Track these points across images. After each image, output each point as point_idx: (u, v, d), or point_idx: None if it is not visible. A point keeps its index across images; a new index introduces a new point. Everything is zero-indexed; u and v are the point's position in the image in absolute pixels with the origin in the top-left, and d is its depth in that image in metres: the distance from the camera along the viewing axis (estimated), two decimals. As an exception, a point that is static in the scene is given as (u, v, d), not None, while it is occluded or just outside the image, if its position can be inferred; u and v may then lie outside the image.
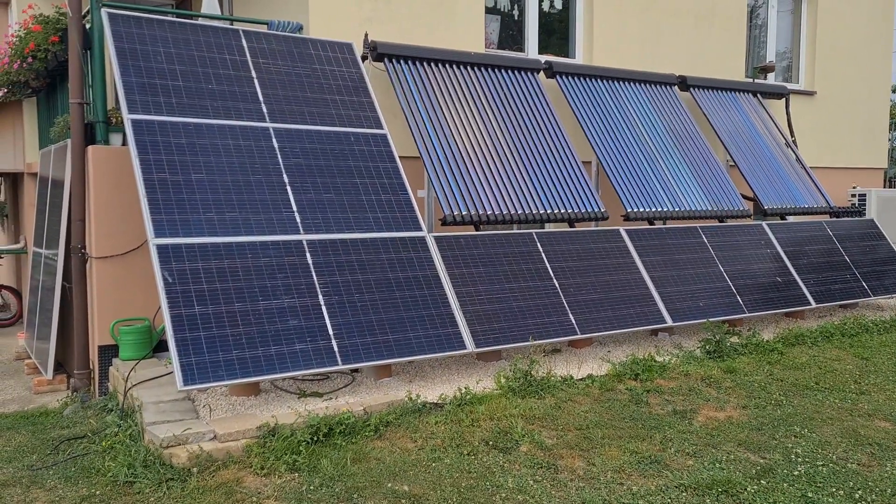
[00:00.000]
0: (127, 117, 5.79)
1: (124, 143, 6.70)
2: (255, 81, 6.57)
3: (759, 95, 10.31)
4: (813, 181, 9.72)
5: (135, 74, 6.04)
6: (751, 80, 10.75)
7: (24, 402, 6.81)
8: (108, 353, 6.57)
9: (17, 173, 10.65)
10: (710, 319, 7.33)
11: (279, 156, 6.24)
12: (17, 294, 11.06)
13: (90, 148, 6.44)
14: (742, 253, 8.17)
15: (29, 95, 9.19)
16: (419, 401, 5.49)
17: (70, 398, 6.62)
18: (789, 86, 11.19)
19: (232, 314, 5.28)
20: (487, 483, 4.36)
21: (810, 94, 11.42)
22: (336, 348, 5.49)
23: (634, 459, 4.68)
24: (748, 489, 4.24)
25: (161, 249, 5.33)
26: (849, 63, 11.90)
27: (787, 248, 8.55)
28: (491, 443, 4.93)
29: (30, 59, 7.30)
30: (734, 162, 9.18)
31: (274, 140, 6.31)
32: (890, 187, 16.01)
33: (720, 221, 8.58)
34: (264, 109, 6.44)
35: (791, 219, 9.40)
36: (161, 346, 6.70)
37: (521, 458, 4.73)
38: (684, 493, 4.21)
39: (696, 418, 5.44)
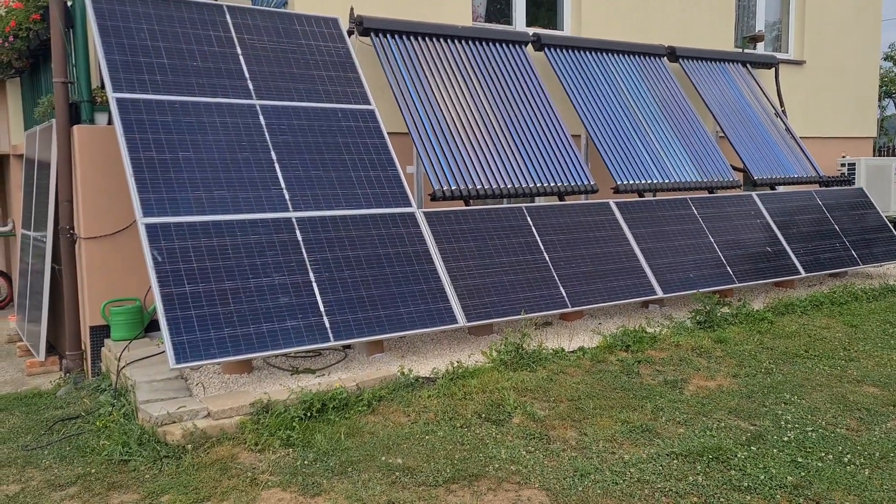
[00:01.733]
0: (112, 96, 5.74)
1: (110, 122, 6.64)
2: (241, 58, 6.51)
3: (748, 65, 10.28)
4: (803, 151, 9.73)
5: (118, 52, 5.97)
6: (740, 50, 10.71)
7: (18, 384, 6.81)
8: (100, 333, 6.56)
9: (2, 155, 10.55)
10: (701, 290, 7.37)
11: (266, 133, 6.20)
12: (7, 277, 11.01)
13: (75, 128, 6.38)
14: (732, 224, 8.19)
15: (12, 76, 9.08)
16: (411, 375, 5.51)
17: (63, 379, 6.61)
18: (779, 55, 11.16)
19: (223, 292, 5.28)
20: (480, 454, 4.39)
21: (799, 63, 11.40)
22: (328, 325, 5.49)
23: (626, 429, 4.72)
24: (738, 455, 4.29)
25: (150, 228, 5.31)
26: (838, 32, 11.86)
27: (776, 218, 8.58)
28: (483, 415, 4.97)
29: (11, 38, 7.20)
30: (724, 133, 9.18)
31: (261, 117, 6.26)
32: (879, 156, 16.04)
33: (710, 192, 8.60)
34: (251, 86, 6.39)
35: (781, 189, 9.42)
36: (153, 326, 6.69)
37: (514, 429, 4.77)
38: (675, 461, 4.26)
39: (687, 388, 5.49)
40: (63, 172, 6.44)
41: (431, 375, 5.62)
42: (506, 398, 5.18)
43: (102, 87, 6.65)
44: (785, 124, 9.91)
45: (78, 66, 6.48)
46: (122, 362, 5.77)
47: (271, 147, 6.14)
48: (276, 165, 6.07)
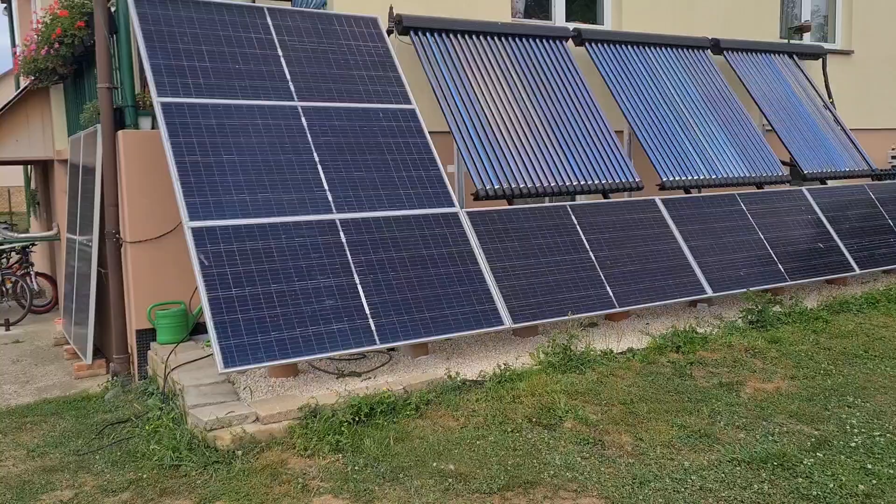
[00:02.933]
0: (156, 100, 5.74)
1: (153, 126, 6.66)
2: (282, 60, 6.48)
3: (794, 56, 10.01)
4: (853, 144, 9.44)
5: (162, 56, 5.98)
6: (786, 41, 10.43)
7: (66, 388, 6.87)
8: (146, 337, 6.59)
9: (47, 161, 10.70)
10: (752, 289, 7.17)
11: (308, 134, 6.16)
12: (52, 281, 11.18)
13: (120, 133, 6.41)
14: (782, 220, 7.97)
15: (56, 82, 9.19)
16: (459, 378, 5.43)
17: (110, 382, 6.66)
18: (825, 45, 10.84)
19: (269, 295, 5.24)
20: (534, 461, 4.29)
21: (847, 53, 11.07)
22: (373, 327, 5.44)
23: (683, 434, 4.59)
24: (804, 462, 4.13)
25: (196, 232, 5.30)
26: (887, 20, 11.50)
27: (828, 214, 8.33)
28: (534, 419, 4.87)
29: (56, 46, 7.27)
30: (771, 126, 8.94)
31: (303, 118, 6.23)
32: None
33: (758, 188, 8.37)
34: (292, 88, 6.36)
35: (831, 183, 9.15)
36: (198, 329, 6.70)
37: (567, 434, 4.66)
38: (738, 468, 4.11)
39: (744, 390, 5.32)
40: (108, 177, 6.47)
41: (479, 378, 5.54)
42: (556, 402, 5.07)
43: (144, 90, 6.67)
44: (834, 116, 9.63)
45: (122, 72, 6.50)
46: (169, 366, 5.78)
47: (314, 148, 6.10)
48: (319, 167, 6.02)
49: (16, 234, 11.62)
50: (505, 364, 5.66)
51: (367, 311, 5.48)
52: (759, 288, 7.25)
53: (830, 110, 9.69)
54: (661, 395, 5.24)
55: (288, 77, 6.40)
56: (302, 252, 5.54)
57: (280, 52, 6.51)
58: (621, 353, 6.13)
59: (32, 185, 13.31)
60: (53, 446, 5.15)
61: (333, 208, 5.86)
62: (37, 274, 10.98)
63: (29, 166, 13.05)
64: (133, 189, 6.38)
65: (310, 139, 6.13)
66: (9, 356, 8.16)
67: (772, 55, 9.78)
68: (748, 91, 9.13)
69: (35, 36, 7.81)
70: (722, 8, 9.79)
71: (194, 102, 5.87)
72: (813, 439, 4.46)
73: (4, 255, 10.88)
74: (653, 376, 5.60)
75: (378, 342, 5.39)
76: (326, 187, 5.94)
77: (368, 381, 5.43)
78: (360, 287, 5.57)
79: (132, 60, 6.55)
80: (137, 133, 6.46)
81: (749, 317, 6.85)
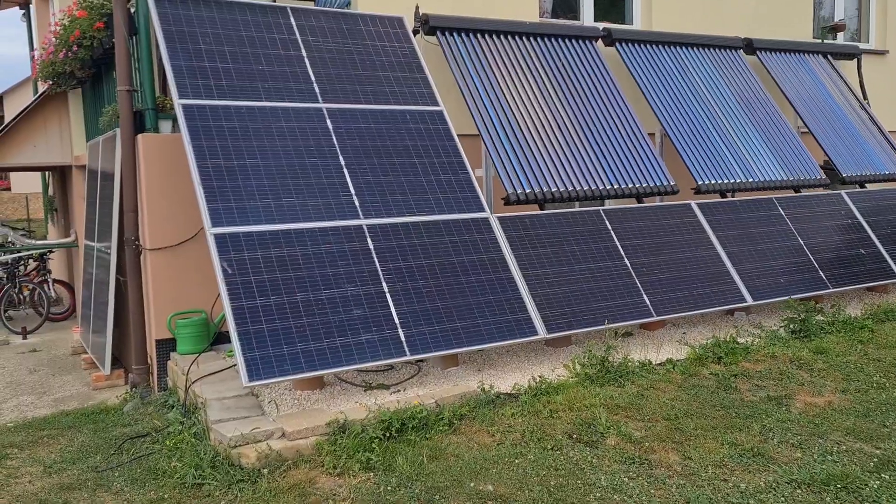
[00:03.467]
0: (178, 102, 5.55)
1: (174, 129, 6.48)
2: (306, 60, 6.28)
3: (829, 56, 9.71)
4: (892, 146, 9.12)
5: (183, 58, 5.79)
6: (819, 41, 10.13)
7: (84, 399, 6.69)
8: (166, 347, 6.39)
9: (64, 166, 10.57)
10: (793, 297, 6.88)
11: (334, 137, 5.95)
12: (70, 288, 11.04)
13: (140, 136, 6.23)
14: (821, 225, 7.67)
15: (74, 87, 9.06)
16: (493, 392, 5.19)
17: (129, 394, 6.47)
18: (859, 45, 10.52)
19: (294, 305, 5.03)
20: (578, 481, 4.04)
21: (882, 53, 10.75)
22: (403, 338, 5.20)
23: (735, 452, 4.32)
24: (870, 484, 3.85)
25: (219, 239, 5.09)
26: (922, 19, 11.17)
27: (868, 218, 8.02)
28: (574, 436, 4.61)
29: (75, 48, 7.11)
30: (807, 128, 8.64)
31: (328, 121, 6.02)
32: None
33: (795, 192, 8.08)
34: (316, 89, 6.15)
35: (870, 186, 8.84)
36: (219, 339, 6.50)
37: (610, 452, 4.40)
38: (798, 490, 3.84)
39: (794, 405, 5.04)
40: (128, 182, 6.29)
41: (513, 391, 5.29)
42: (596, 417, 4.82)
43: (164, 92, 6.49)
44: (871, 117, 9.31)
45: (142, 74, 6.33)
46: (191, 378, 5.57)
47: (339, 152, 5.89)
48: (345, 171, 5.81)
49: (33, 242, 11.50)
50: (540, 376, 5.41)
51: (397, 321, 5.25)
52: (801, 296, 6.96)
53: (867, 111, 9.38)
54: (706, 409, 4.97)
55: (312, 78, 6.19)
56: (328, 259, 5.32)
57: (304, 53, 6.30)
58: (660, 364, 5.87)
59: (50, 192, 13.21)
60: (71, 462, 4.95)
61: (360, 213, 5.64)
62: (54, 281, 10.84)
63: (47, 172, 12.94)
64: (153, 194, 6.19)
65: (335, 142, 5.92)
66: (26, 366, 7.99)
67: (806, 55, 9.48)
68: (783, 92, 8.84)
69: (53, 39, 7.67)
70: (753, 7, 9.52)
71: (216, 104, 5.67)
72: (875, 459, 4.18)
73: (22, 262, 10.74)
74: (696, 389, 5.33)
75: (408, 353, 5.15)
76: (353, 192, 5.73)
77: (398, 395, 5.20)
78: (388, 296, 5.34)
79: (152, 62, 6.37)
80: (157, 136, 6.27)
81: (791, 326, 6.56)
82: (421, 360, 5.88)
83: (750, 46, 9.00)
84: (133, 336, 6.43)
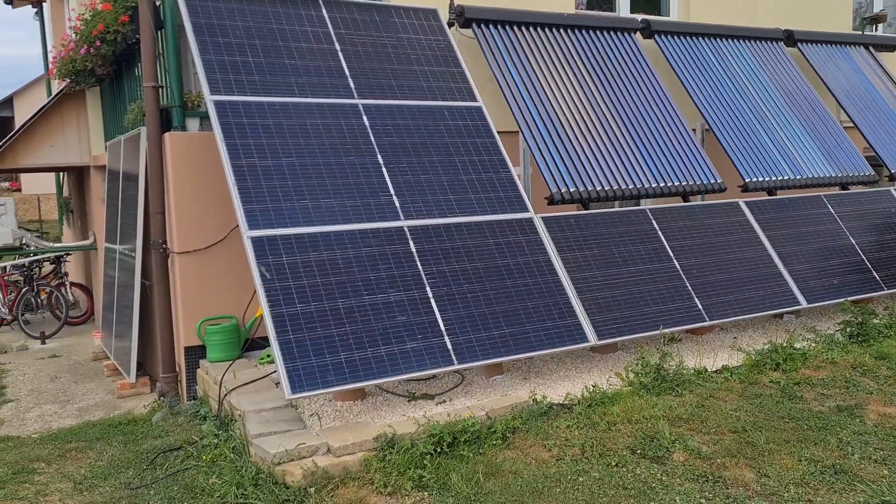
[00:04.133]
0: (209, 99, 5.28)
1: (202, 127, 6.21)
2: (340, 54, 6.01)
3: (870, 48, 9.38)
4: (938, 140, 8.79)
5: (214, 52, 5.52)
6: (858, 32, 9.80)
7: (109, 408, 6.44)
8: (195, 354, 6.13)
9: (82, 167, 10.33)
10: (847, 299, 6.57)
11: (371, 134, 5.67)
12: (87, 291, 10.80)
13: (167, 135, 5.97)
14: (872, 223, 7.36)
15: (93, 85, 8.80)
16: (545, 402, 4.91)
17: (157, 403, 6.21)
18: (898, 37, 10.19)
19: (336, 311, 4.75)
20: (652, 503, 3.75)
21: (921, 45, 10.39)
22: (450, 346, 4.93)
23: (815, 469, 4.02)
24: (973, 507, 3.56)
25: (256, 243, 4.82)
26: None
27: (919, 216, 7.70)
28: (638, 451, 4.33)
29: (97, 43, 6.85)
30: (852, 122, 8.32)
31: (364, 117, 5.74)
32: None
33: (842, 188, 7.77)
34: (351, 84, 5.88)
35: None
36: (250, 345, 6.24)
37: (679, 469, 4.11)
38: (896, 514, 3.55)
39: (867, 415, 4.74)
40: (154, 182, 6.03)
41: (566, 402, 5.01)
42: (659, 429, 4.53)
43: (189, 90, 6.23)
44: (917, 111, 8.97)
45: (169, 70, 6.06)
46: (225, 388, 5.31)
47: (377, 150, 5.61)
48: (384, 169, 5.53)
49: (50, 244, 11.27)
50: (594, 385, 5.13)
51: (443, 328, 4.97)
52: (854, 298, 6.65)
53: (912, 105, 9.04)
54: (773, 421, 4.68)
55: (347, 73, 5.92)
56: (370, 263, 5.04)
57: (338, 47, 6.03)
58: (716, 371, 5.58)
59: (65, 193, 12.99)
60: (102, 478, 4.70)
61: (401, 214, 5.37)
62: (72, 284, 10.60)
63: (62, 173, 12.72)
64: (181, 195, 5.93)
65: (372, 139, 5.65)
66: (47, 372, 7.75)
67: (847, 47, 9.16)
68: (825, 85, 8.53)
69: (73, 34, 7.41)
70: (792, -2, 9.20)
71: (249, 101, 5.40)
72: (971, 477, 3.88)
73: (37, 265, 10.51)
74: (758, 399, 5.04)
75: (455, 362, 4.88)
76: (392, 192, 5.45)
77: (444, 406, 4.92)
78: (433, 301, 5.06)
79: (179, 57, 6.11)
80: (185, 135, 6.01)
81: (848, 329, 6.26)
82: (465, 369, 5.60)
83: (791, 38, 8.69)
84: (161, 343, 6.17)
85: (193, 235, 6.00)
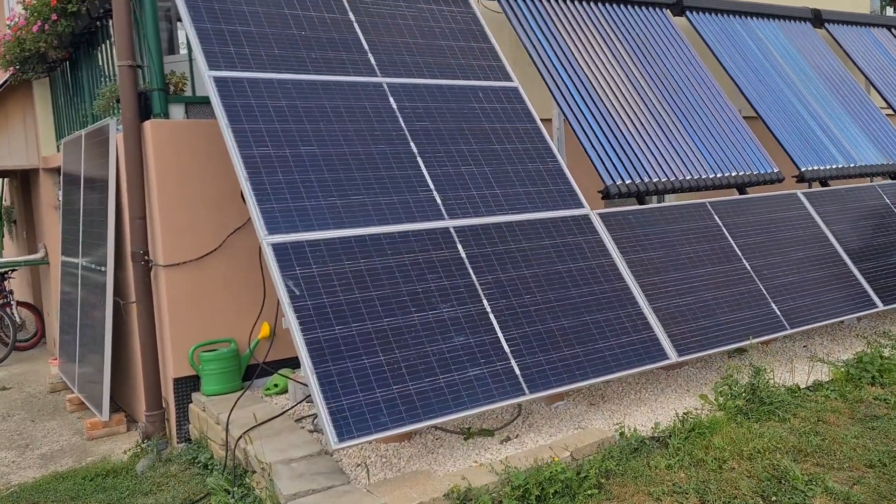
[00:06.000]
0: (208, 75, 4.29)
1: (188, 115, 5.20)
2: (355, 25, 5.07)
3: (893, 30, 8.85)
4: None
5: (209, 19, 4.53)
6: (878, 12, 9.27)
7: (80, 454, 5.35)
8: (187, 386, 5.11)
9: (29, 170, 9.10)
10: (922, 298, 5.91)
11: (401, 119, 4.75)
12: (37, 311, 9.55)
13: (148, 123, 4.94)
14: (928, 215, 6.74)
15: (42, 75, 7.65)
16: (636, 437, 4.05)
17: (140, 447, 5.16)
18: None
19: (382, 333, 3.82)
20: (831, 573, 2.93)
21: (933, 29, 9.94)
22: (518, 372, 4.03)
23: None
24: None
25: (279, 251, 3.85)
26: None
27: (971, 207, 7.12)
28: (772, 497, 3.51)
29: (54, 17, 5.76)
30: (891, 107, 7.73)
31: (391, 99, 4.82)
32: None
33: (892, 178, 7.14)
34: (372, 60, 4.95)
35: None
36: (248, 373, 5.24)
37: (834, 520, 3.31)
38: None
39: None
40: (132, 181, 4.99)
41: (657, 434, 4.16)
42: (785, 467, 3.72)
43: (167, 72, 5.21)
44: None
45: (148, 46, 5.03)
46: (233, 430, 4.31)
47: (409, 136, 4.69)
48: (419, 160, 4.62)
49: (-8, 258, 9.95)
50: (685, 412, 4.30)
51: (507, 350, 4.08)
52: (927, 297, 5.99)
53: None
54: (909, 449, 3.92)
55: (366, 47, 4.98)
56: (415, 272, 4.12)
57: (352, 17, 5.09)
58: (809, 388, 4.82)
59: (6, 201, 11.63)
60: (87, 556, 3.66)
61: (444, 213, 4.46)
62: (18, 303, 9.33)
63: (3, 179, 11.37)
64: (167, 197, 4.91)
65: (403, 125, 4.72)
66: (-3, 410, 6.58)
67: (872, 28, 8.60)
68: (859, 68, 7.93)
69: (22, 10, 6.28)
70: (813, -24, 8.60)
71: (256, 77, 4.43)
72: None
73: (-23, 282, 9.22)
74: (874, 422, 4.29)
75: (527, 392, 3.99)
76: (432, 186, 4.54)
77: (514, 445, 4.03)
78: (492, 316, 4.16)
79: (159, 31, 5.08)
80: (170, 123, 4.99)
81: (931, 334, 5.59)
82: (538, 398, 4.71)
83: (818, 18, 8.07)
84: (145, 374, 5.12)
85: (182, 244, 4.98)
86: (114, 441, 5.57)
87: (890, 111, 8.14)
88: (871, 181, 7.75)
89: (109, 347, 5.55)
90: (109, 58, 5.88)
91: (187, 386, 5.11)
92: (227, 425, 4.37)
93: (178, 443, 5.11)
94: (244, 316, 5.19)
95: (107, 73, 5.93)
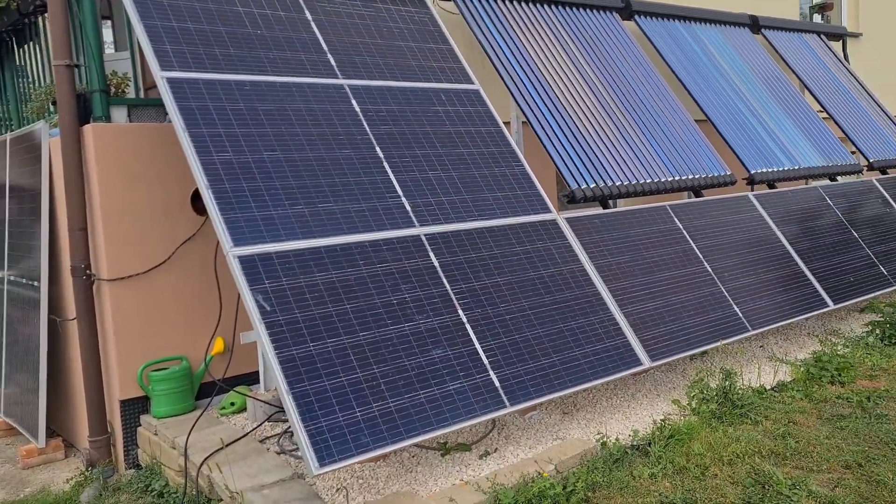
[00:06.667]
0: (161, 76, 4.00)
1: (130, 118, 4.87)
2: (313, 24, 4.85)
3: (822, 36, 9.16)
4: (899, 129, 8.64)
5: (158, 16, 4.23)
6: (807, 20, 9.59)
7: (15, 484, 4.93)
8: (134, 408, 4.78)
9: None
10: (868, 297, 6.09)
11: (365, 122, 4.56)
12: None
13: (89, 127, 4.59)
14: (866, 215, 6.97)
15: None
16: (616, 445, 3.98)
17: (85, 475, 4.79)
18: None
19: (359, 348, 3.63)
20: (834, 581, 2.91)
21: (856, 35, 10.37)
22: (497, 384, 3.91)
23: (985, 512, 3.33)
24: None
25: (246, 263, 3.60)
26: (888, 2, 10.92)
27: (903, 207, 7.41)
28: (754, 503, 3.49)
29: (-23, 12, 5.32)
30: (827, 112, 7.98)
31: (353, 101, 4.62)
32: None
33: (831, 179, 7.36)
34: (332, 61, 4.74)
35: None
36: (202, 391, 4.95)
37: (824, 524, 3.31)
38: None
39: (976, 433, 4.14)
40: (72, 189, 4.63)
41: (635, 442, 4.11)
42: (766, 472, 3.72)
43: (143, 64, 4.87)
44: (875, 101, 8.81)
45: (87, 44, 4.68)
46: (194, 453, 4.03)
47: (374, 140, 4.51)
48: (386, 164, 4.44)
49: None
50: (664, 418, 4.26)
51: (486, 362, 3.94)
52: (871, 296, 6.18)
53: (869, 92, 8.87)
54: (879, 448, 3.99)
55: (325, 47, 4.77)
56: (389, 283, 3.94)
57: (308, 16, 4.87)
58: (774, 389, 4.87)
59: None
60: None
61: (414, 220, 4.29)
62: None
63: None
64: (110, 206, 4.57)
65: (367, 128, 4.53)
66: (-86, 439, 6.02)
67: (804, 35, 8.87)
68: (795, 74, 8.15)
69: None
70: (748, -17, 8.81)
71: (213, 79, 4.16)
72: None
73: None
74: (843, 421, 4.35)
75: (508, 404, 3.86)
76: (400, 192, 4.36)
77: (495, 459, 3.90)
78: (468, 327, 4.03)
79: (99, 29, 4.74)
80: (113, 127, 4.65)
81: (879, 330, 5.75)
82: (518, 411, 4.59)
83: (756, 24, 8.26)
84: (88, 397, 4.76)
85: (128, 256, 4.65)
86: (52, 469, 5.16)
87: (825, 114, 8.40)
88: (807, 183, 7.99)
89: (45, 369, 5.14)
90: (37, 57, 5.47)
91: (135, 408, 4.78)
92: (186, 450, 4.08)
93: (126, 469, 4.76)
94: (197, 331, 4.89)
95: (32, 75, 5.52)
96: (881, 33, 10.77)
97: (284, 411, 4.43)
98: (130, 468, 4.77)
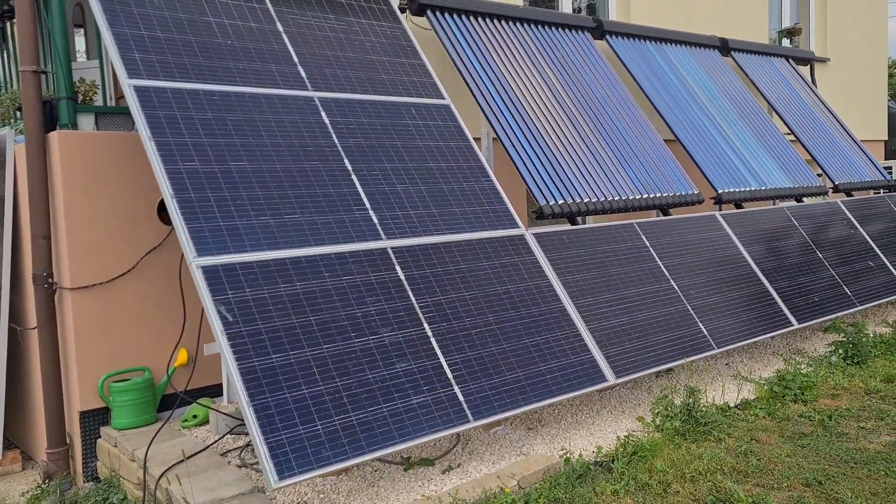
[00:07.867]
0: (128, 83, 3.97)
1: (98, 126, 4.83)
2: (284, 36, 4.85)
3: (790, 60, 9.34)
4: (864, 153, 8.82)
5: (127, 23, 4.20)
6: (774, 43, 9.77)
7: (-31, 498, 4.81)
8: (94, 419, 4.69)
9: None
10: (831, 317, 6.18)
11: (334, 135, 4.56)
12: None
13: (55, 134, 4.54)
14: (830, 235, 7.09)
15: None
16: (580, 462, 3.99)
17: (42, 488, 4.69)
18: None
19: (322, 361, 3.60)
20: None
21: (823, 61, 10.59)
22: (461, 398, 3.90)
23: (938, 529, 3.37)
24: None
25: (209, 273, 3.57)
26: (854, 28, 11.18)
27: (867, 228, 7.55)
28: (719, 519, 3.51)
29: (-57, 16, 5.25)
30: (794, 135, 8.12)
31: (323, 114, 4.62)
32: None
33: (797, 201, 7.48)
34: (302, 73, 4.74)
35: (856, 194, 8.45)
36: (164, 403, 4.88)
37: (782, 541, 3.33)
38: None
39: (932, 452, 4.20)
40: (35, 197, 4.56)
41: (600, 458, 4.12)
42: (728, 489, 3.74)
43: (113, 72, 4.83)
44: (841, 124, 8.99)
45: (55, 50, 4.64)
46: (154, 467, 3.97)
47: (343, 153, 4.50)
48: (354, 177, 4.44)
49: None
50: (627, 435, 4.28)
51: (450, 376, 3.94)
52: (834, 316, 6.27)
53: (835, 116, 9.05)
54: (838, 466, 4.03)
55: (295, 59, 4.77)
56: (354, 295, 3.93)
57: (280, 27, 4.87)
58: (737, 407, 4.91)
59: None
60: None
61: (381, 233, 4.29)
62: None
63: None
64: (75, 214, 4.52)
65: (336, 140, 4.53)
66: None
67: (772, 58, 9.04)
68: (764, 97, 8.30)
69: None
70: (721, 4, 8.96)
71: (180, 87, 4.14)
72: None
73: None
74: (803, 439, 4.40)
75: (472, 419, 3.86)
76: (368, 205, 4.36)
77: (458, 475, 3.88)
78: (433, 341, 4.02)
79: (68, 35, 4.70)
80: (79, 134, 4.60)
81: (842, 350, 5.83)
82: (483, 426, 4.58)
83: (725, 47, 8.41)
84: (46, 407, 4.67)
85: (91, 265, 4.59)
86: (8, 482, 5.05)
87: (792, 136, 8.55)
88: (774, 203, 8.11)
89: (3, 379, 5.05)
90: (4, 62, 5.41)
91: (95, 419, 4.70)
92: (146, 462, 4.02)
93: (84, 482, 4.67)
94: (161, 342, 4.83)
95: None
96: (848, 58, 11.01)
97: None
98: (89, 481, 4.68)
